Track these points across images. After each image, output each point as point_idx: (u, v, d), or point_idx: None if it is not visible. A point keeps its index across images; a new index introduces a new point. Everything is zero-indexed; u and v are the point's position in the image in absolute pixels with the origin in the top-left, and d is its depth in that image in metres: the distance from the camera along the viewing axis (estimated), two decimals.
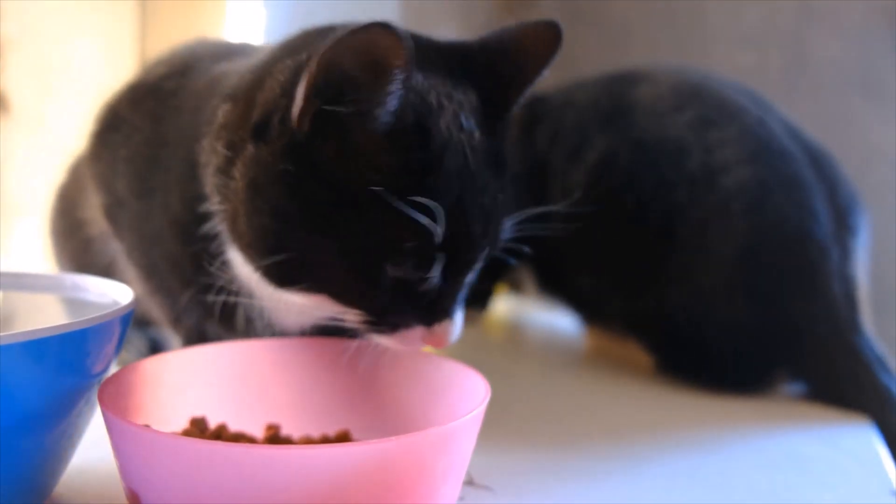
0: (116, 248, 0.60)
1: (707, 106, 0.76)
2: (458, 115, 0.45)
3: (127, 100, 0.59)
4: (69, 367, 0.39)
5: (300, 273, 0.45)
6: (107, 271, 0.61)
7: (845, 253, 0.73)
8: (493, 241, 0.47)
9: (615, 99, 0.81)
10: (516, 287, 1.01)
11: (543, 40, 0.48)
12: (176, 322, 0.57)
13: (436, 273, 0.44)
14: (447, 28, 1.29)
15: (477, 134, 0.46)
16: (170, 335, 0.63)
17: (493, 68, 0.48)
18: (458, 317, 0.47)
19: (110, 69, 0.89)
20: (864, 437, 0.62)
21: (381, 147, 0.42)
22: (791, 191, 0.72)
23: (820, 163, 0.76)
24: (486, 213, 0.45)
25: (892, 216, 0.98)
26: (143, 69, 0.64)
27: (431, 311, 0.46)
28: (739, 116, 0.75)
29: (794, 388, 0.72)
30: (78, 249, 0.68)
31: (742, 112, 0.76)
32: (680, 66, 0.87)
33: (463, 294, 0.48)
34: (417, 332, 0.46)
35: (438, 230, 0.42)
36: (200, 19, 0.92)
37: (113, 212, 0.58)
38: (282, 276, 0.45)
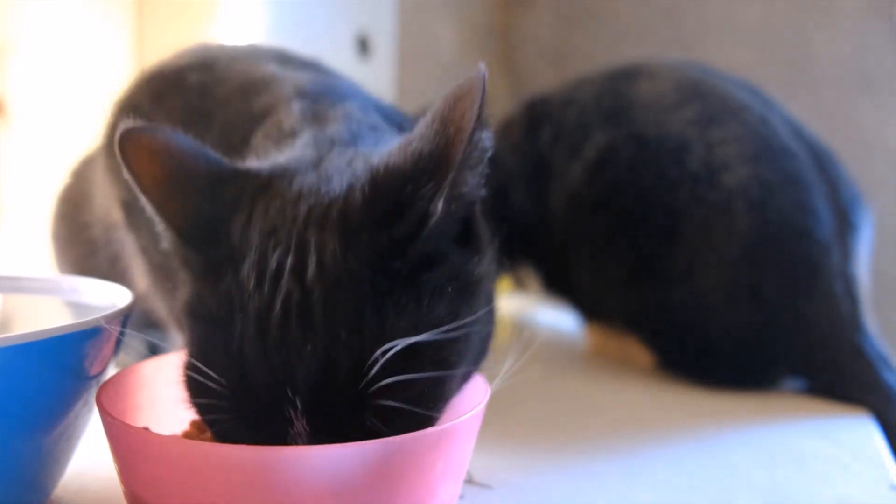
0: (125, 241, 0.59)
1: (709, 103, 0.76)
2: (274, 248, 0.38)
3: (148, 92, 0.57)
4: (66, 369, 0.39)
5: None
6: (109, 271, 0.60)
7: (847, 251, 0.73)
8: (312, 388, 0.36)
9: (616, 95, 0.80)
10: (519, 285, 1.01)
11: (460, 110, 0.37)
12: (179, 319, 0.57)
13: (228, 417, 0.37)
14: (446, 28, 1.29)
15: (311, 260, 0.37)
16: (170, 335, 0.63)
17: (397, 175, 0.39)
18: None
19: (107, 73, 0.89)
20: (863, 431, 0.62)
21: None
22: (793, 189, 0.71)
23: (822, 160, 0.75)
24: (287, 355, 0.36)
25: (892, 212, 0.98)
26: (160, 62, 0.62)
27: None
28: (741, 114, 0.75)
29: (794, 383, 0.72)
30: (81, 252, 0.67)
31: (744, 109, 0.75)
32: (682, 61, 0.87)
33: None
34: None
35: (208, 371, 0.37)
36: (198, 24, 0.92)
37: (129, 205, 0.58)
38: None
